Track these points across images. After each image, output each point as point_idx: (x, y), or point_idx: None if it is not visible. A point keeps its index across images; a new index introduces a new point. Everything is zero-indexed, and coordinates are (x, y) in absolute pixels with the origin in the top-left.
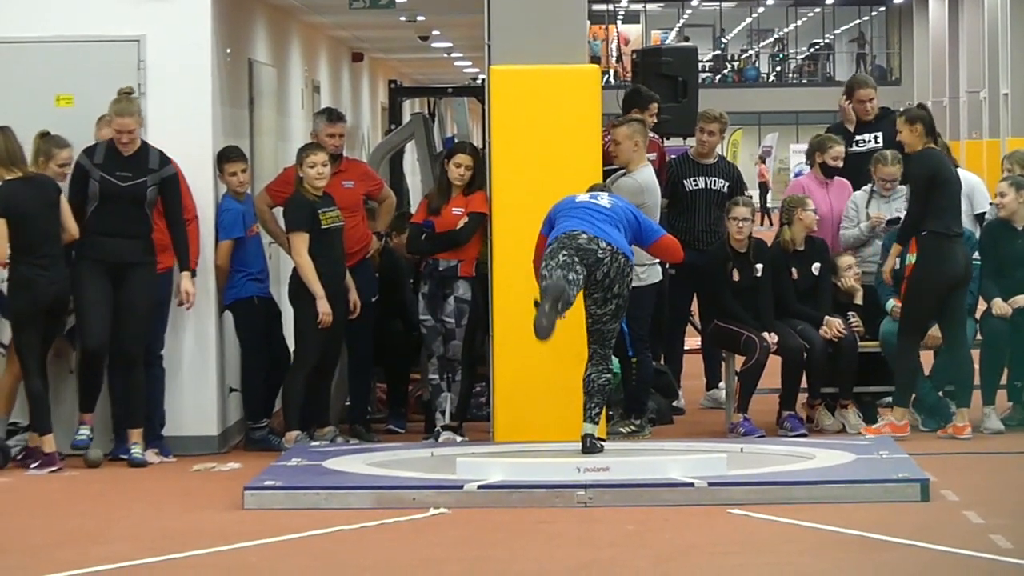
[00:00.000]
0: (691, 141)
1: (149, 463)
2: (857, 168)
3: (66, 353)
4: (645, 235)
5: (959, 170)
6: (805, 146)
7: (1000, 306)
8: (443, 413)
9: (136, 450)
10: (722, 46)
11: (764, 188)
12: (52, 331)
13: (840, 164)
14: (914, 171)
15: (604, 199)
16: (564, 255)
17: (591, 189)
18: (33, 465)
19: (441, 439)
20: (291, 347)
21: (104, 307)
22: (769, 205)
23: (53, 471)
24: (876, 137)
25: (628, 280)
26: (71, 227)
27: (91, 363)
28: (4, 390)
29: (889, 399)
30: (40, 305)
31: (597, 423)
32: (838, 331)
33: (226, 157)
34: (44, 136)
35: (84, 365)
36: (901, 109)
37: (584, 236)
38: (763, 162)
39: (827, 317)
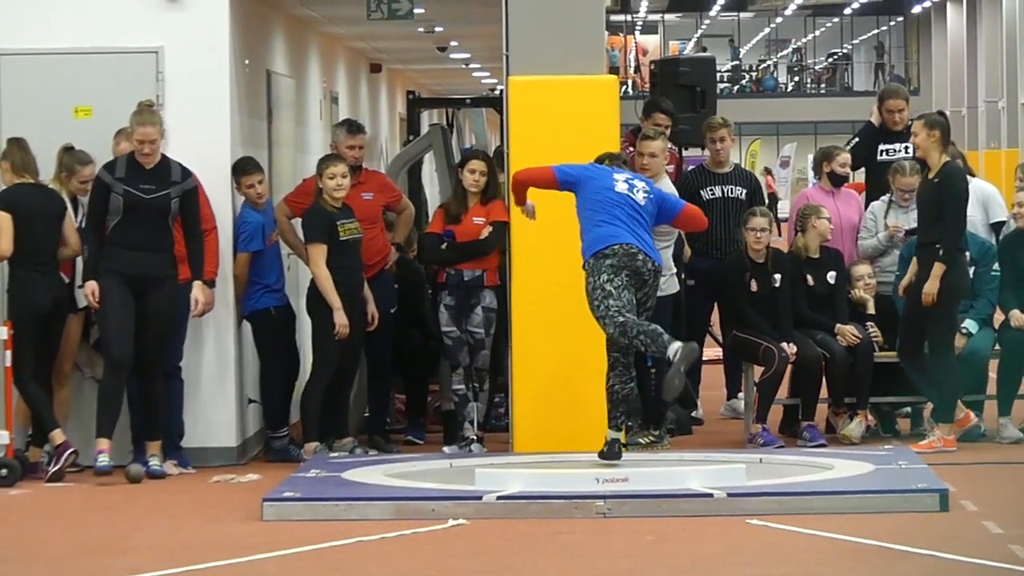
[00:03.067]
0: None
1: (168, 475)
2: (885, 176)
3: (92, 363)
4: (669, 210)
5: (974, 179)
6: None
7: (1018, 318)
8: (471, 423)
9: (155, 462)
10: (739, 56)
11: (772, 199)
12: (54, 340)
13: (848, 170)
14: (954, 187)
15: (639, 194)
16: (626, 277)
17: (603, 159)
18: (53, 468)
19: (472, 449)
20: (308, 357)
21: (127, 319)
22: (778, 216)
23: (70, 454)
24: (907, 148)
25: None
26: (73, 242)
27: (115, 376)
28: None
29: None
30: (39, 311)
31: (622, 430)
32: (853, 336)
33: (242, 170)
34: (68, 150)
35: (107, 379)
36: (920, 114)
37: (641, 256)
38: (769, 173)
39: (839, 325)
